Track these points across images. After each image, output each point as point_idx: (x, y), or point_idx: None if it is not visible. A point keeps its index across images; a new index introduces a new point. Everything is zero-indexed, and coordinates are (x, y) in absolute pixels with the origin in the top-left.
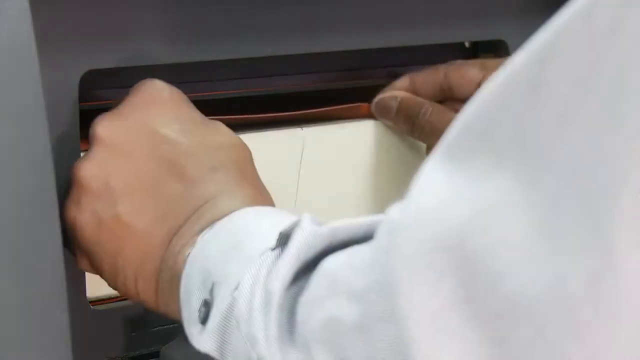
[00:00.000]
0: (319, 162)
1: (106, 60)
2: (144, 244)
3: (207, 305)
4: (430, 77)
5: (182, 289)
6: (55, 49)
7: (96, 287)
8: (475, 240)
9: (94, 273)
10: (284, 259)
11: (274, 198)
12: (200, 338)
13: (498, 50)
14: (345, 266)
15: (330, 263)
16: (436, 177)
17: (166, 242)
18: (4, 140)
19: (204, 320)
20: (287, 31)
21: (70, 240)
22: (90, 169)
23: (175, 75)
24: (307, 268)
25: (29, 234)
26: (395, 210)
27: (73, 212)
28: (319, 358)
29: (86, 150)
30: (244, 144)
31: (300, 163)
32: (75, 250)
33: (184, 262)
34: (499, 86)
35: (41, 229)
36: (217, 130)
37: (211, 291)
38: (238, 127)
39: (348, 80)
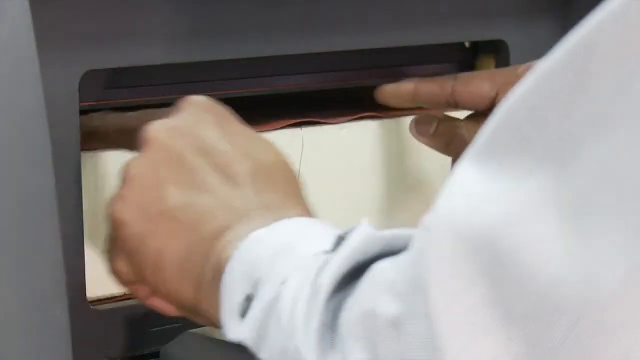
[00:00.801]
0: (319, 162)
1: (106, 60)
2: (192, 238)
3: (249, 300)
4: (436, 88)
5: (225, 282)
6: (55, 49)
7: (96, 287)
8: (507, 239)
9: (126, 279)
10: (337, 256)
11: None
12: (238, 328)
13: (498, 50)
14: (388, 265)
15: (378, 263)
16: (468, 177)
17: (214, 236)
18: (4, 140)
19: (243, 313)
20: (287, 31)
21: (109, 240)
22: (141, 166)
23: (176, 75)
24: (359, 272)
25: (29, 234)
26: (431, 212)
27: (119, 208)
28: (353, 355)
29: (86, 150)
30: (290, 163)
31: (300, 163)
32: (113, 251)
33: (231, 256)
34: (534, 86)
35: (41, 229)
36: (268, 147)
37: (255, 286)
38: None
39: (348, 81)
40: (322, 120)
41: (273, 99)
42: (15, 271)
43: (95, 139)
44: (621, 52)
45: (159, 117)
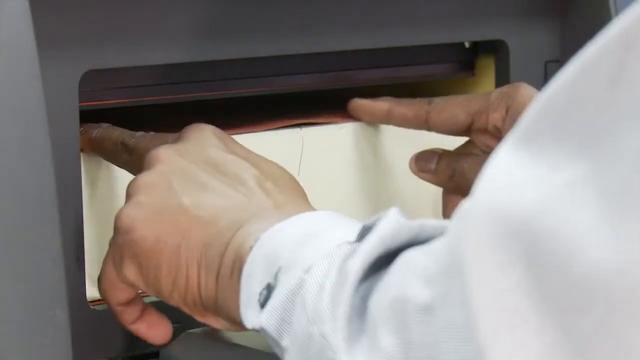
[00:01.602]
0: (319, 162)
1: (106, 60)
2: (210, 232)
3: (269, 289)
4: (410, 113)
5: (245, 273)
6: (55, 49)
7: (96, 287)
8: (545, 225)
9: (139, 284)
10: (367, 243)
11: None
12: (257, 318)
13: (498, 50)
14: (421, 251)
15: (408, 252)
16: (508, 163)
17: (232, 230)
18: (4, 140)
19: (264, 303)
20: (287, 31)
21: (115, 249)
22: (152, 176)
23: (176, 75)
24: (387, 261)
25: (29, 234)
26: (469, 198)
27: (132, 213)
28: (384, 340)
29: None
30: (288, 172)
31: (300, 163)
32: (123, 258)
33: (251, 247)
34: (574, 75)
35: (41, 229)
36: (270, 161)
37: (276, 275)
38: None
39: (348, 81)
40: (322, 120)
41: (273, 99)
42: (15, 271)
43: (95, 148)
44: None
45: (165, 142)
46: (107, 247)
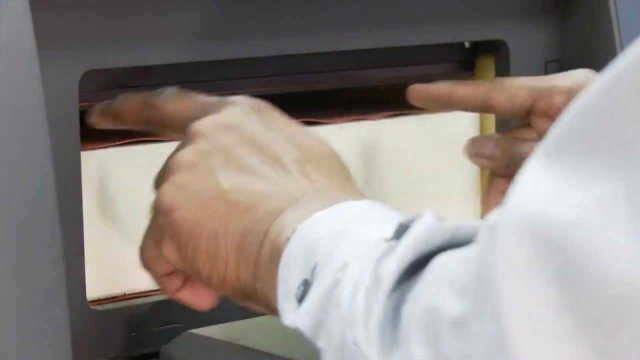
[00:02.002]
0: None
1: (106, 60)
2: (249, 218)
3: (306, 285)
4: (470, 93)
5: (282, 264)
6: (55, 49)
7: (96, 287)
8: (580, 241)
9: (179, 263)
10: (400, 248)
11: None
12: (295, 315)
13: (498, 50)
14: (453, 259)
15: (441, 256)
16: (539, 177)
17: (271, 218)
18: (4, 140)
19: (301, 298)
20: (287, 31)
21: (155, 228)
22: (190, 155)
23: (176, 75)
24: (421, 264)
25: (29, 234)
26: (498, 211)
27: (170, 194)
28: (416, 352)
29: (86, 150)
30: (334, 151)
31: None
32: (162, 237)
33: (288, 238)
34: (605, 88)
35: (41, 228)
36: (316, 137)
37: (313, 271)
38: None
39: (348, 81)
40: (322, 120)
41: (273, 99)
42: (15, 271)
43: (113, 115)
44: None
45: (203, 112)
46: (107, 247)
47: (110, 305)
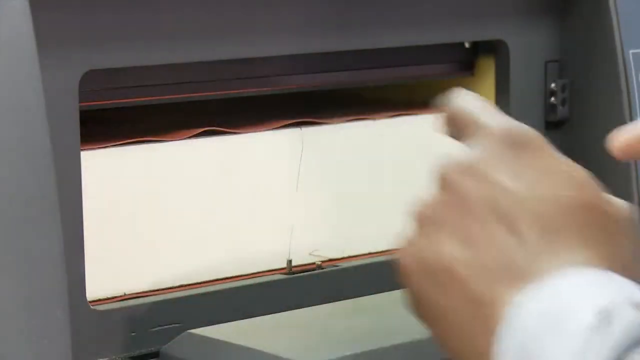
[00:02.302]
0: (319, 162)
1: (106, 60)
2: (468, 298)
3: None
4: None
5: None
6: (55, 49)
7: (96, 287)
8: None
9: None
10: (604, 345)
11: (273, 198)
12: None
13: (498, 50)
14: None
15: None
16: None
17: (490, 303)
18: (4, 140)
19: None
20: (287, 31)
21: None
22: (427, 207)
23: (176, 75)
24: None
25: (29, 234)
26: None
27: (404, 254)
28: None
29: (86, 150)
30: (595, 200)
31: (300, 163)
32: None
33: (501, 330)
34: None
35: (41, 229)
36: (570, 182)
37: None
38: (238, 126)
39: (348, 81)
40: (322, 120)
41: (273, 99)
42: (16, 272)
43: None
44: None
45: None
46: (107, 247)
47: (110, 305)
